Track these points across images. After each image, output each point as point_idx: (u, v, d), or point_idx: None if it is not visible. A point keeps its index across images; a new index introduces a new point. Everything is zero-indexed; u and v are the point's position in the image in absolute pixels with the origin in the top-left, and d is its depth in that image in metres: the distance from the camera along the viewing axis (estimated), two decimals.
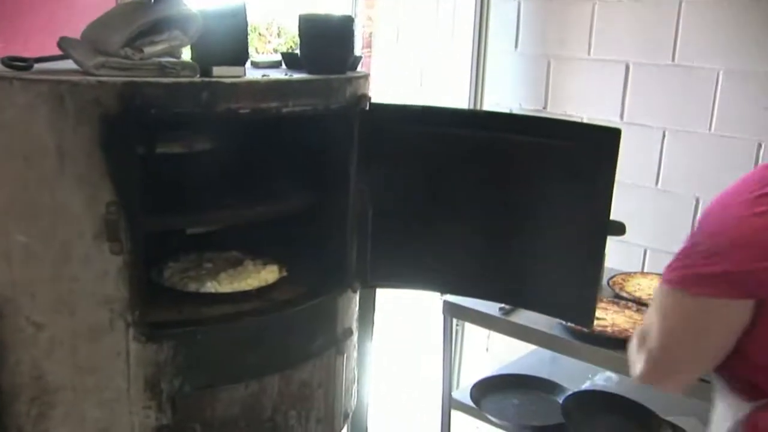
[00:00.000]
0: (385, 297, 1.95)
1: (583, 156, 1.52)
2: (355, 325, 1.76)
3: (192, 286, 1.61)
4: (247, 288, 1.62)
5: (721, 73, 2.40)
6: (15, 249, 1.34)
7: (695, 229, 1.12)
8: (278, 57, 1.73)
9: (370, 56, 5.08)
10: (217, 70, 1.41)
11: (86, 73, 1.33)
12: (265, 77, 1.46)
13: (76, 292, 1.35)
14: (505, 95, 2.97)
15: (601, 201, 1.51)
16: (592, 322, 1.63)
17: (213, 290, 1.60)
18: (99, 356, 1.38)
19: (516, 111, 2.91)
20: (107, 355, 1.38)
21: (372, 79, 1.71)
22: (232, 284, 1.63)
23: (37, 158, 1.30)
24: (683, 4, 2.45)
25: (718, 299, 1.07)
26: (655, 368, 1.17)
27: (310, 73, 1.58)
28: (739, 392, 1.15)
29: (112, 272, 1.35)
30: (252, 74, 1.48)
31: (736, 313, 1.08)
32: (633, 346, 1.21)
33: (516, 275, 1.67)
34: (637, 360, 1.19)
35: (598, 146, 1.50)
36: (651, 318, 1.17)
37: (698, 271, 1.08)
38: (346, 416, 1.78)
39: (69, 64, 1.40)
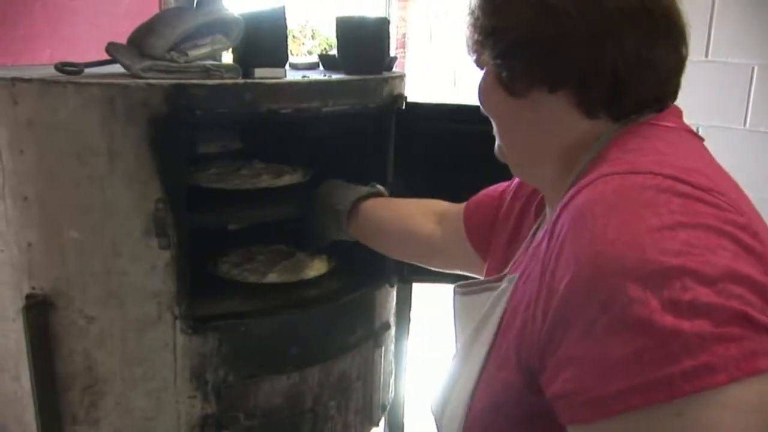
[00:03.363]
0: (424, 292, 2.00)
1: None
2: (392, 320, 1.81)
3: (251, 278, 1.69)
4: (306, 277, 1.70)
5: (755, 68, 2.42)
6: (68, 244, 1.40)
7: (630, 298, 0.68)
8: (315, 59, 1.79)
9: (403, 57, 5.13)
10: (258, 72, 1.47)
11: (134, 76, 1.40)
12: (305, 78, 1.53)
13: (125, 285, 1.41)
14: None
15: None
16: None
17: (274, 281, 1.68)
18: (147, 347, 1.44)
19: None
20: (155, 346, 1.44)
21: (406, 79, 1.76)
22: (291, 274, 1.71)
23: (89, 158, 1.37)
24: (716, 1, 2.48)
25: None
26: None
27: (347, 73, 1.64)
28: None
29: (159, 267, 1.42)
30: (292, 76, 1.54)
31: None
32: None
33: None
34: None
35: None
36: None
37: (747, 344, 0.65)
38: (384, 408, 1.84)
39: (117, 68, 1.47)
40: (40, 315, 1.41)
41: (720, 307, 0.65)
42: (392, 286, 1.79)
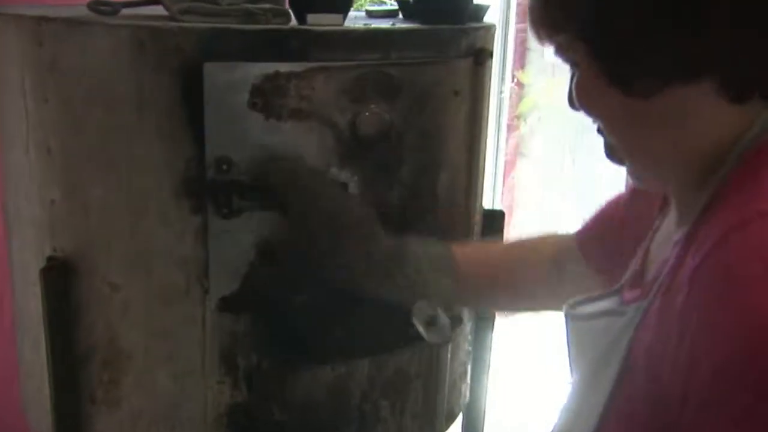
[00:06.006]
0: None
1: None
2: (466, 313, 1.75)
3: None
4: None
5: None
6: (93, 200, 1.43)
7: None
8: (395, 5, 1.77)
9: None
10: (312, 18, 1.44)
11: (172, 18, 1.41)
12: (364, 26, 1.50)
13: (152, 250, 1.43)
14: None
15: None
16: None
17: None
18: (173, 321, 1.45)
19: None
20: (181, 320, 1.45)
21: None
22: None
23: (116, 107, 1.38)
24: None
25: None
26: None
27: (422, 22, 1.60)
28: None
29: (189, 232, 1.42)
30: (355, 23, 1.52)
31: None
32: None
33: None
34: None
35: None
36: None
37: None
38: (452, 416, 1.79)
39: (159, 9, 1.48)
40: (59, 279, 1.44)
41: None
42: None
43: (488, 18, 1.73)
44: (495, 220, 1.80)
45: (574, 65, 0.95)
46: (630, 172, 1.00)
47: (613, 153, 0.98)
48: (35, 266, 1.46)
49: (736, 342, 0.69)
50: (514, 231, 4.38)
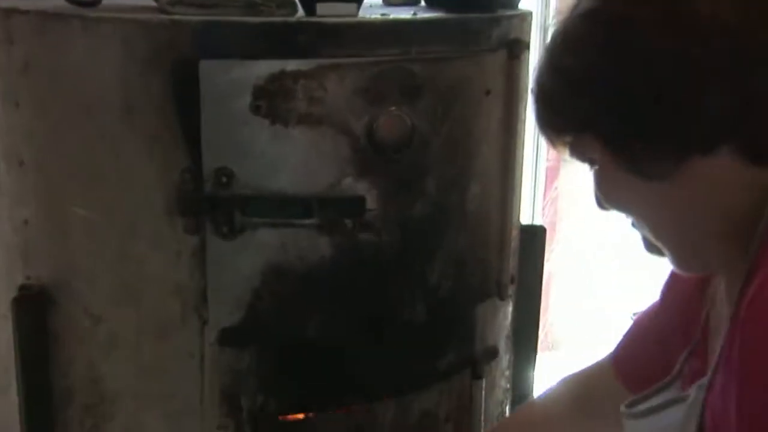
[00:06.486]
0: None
1: None
2: (503, 344, 1.66)
3: None
4: None
5: None
6: (73, 223, 1.35)
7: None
8: None
9: None
10: (322, 8, 1.36)
11: (161, 10, 1.32)
12: (381, 17, 1.41)
13: (142, 277, 1.35)
14: None
15: None
16: None
17: None
18: (167, 358, 1.37)
19: None
20: (177, 357, 1.37)
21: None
22: None
23: (100, 112, 1.30)
24: None
25: None
26: None
27: (448, 11, 1.50)
28: None
29: (185, 255, 1.33)
30: (371, 14, 1.43)
31: None
32: None
33: None
34: None
35: None
36: None
37: None
38: None
39: (146, 0, 1.39)
40: (34, 311, 1.37)
41: None
42: (503, 299, 1.61)
43: (523, 4, 1.64)
44: (535, 236, 1.71)
45: (591, 162, 0.98)
46: (672, 262, 1.01)
47: (651, 247, 1.01)
48: (6, 295, 1.39)
49: None
50: (557, 249, 4.23)
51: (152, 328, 1.35)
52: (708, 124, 0.87)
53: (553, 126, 0.98)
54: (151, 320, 1.35)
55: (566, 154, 1.00)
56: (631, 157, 0.92)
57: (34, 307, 1.35)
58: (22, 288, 1.36)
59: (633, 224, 1.01)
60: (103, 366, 1.37)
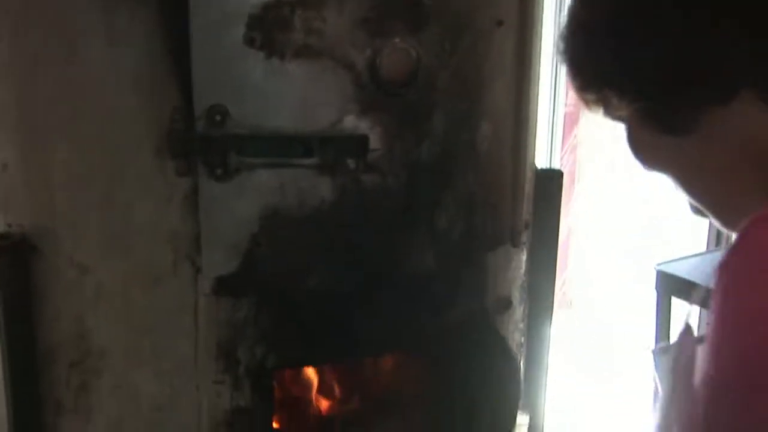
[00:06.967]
0: None
1: None
2: (517, 294, 1.62)
3: None
4: None
5: None
6: (56, 166, 1.32)
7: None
8: None
9: None
10: None
11: None
12: None
13: (130, 224, 1.32)
14: None
15: None
16: None
17: None
18: (158, 310, 1.34)
19: None
20: (168, 309, 1.34)
21: None
22: None
23: (81, 42, 1.26)
24: None
25: None
26: None
27: None
28: None
29: (176, 199, 1.30)
30: None
31: None
32: None
33: None
34: None
35: None
36: None
37: None
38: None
39: None
40: (16, 261, 1.33)
41: None
42: (516, 246, 1.57)
43: None
44: (552, 181, 1.67)
45: (621, 120, 1.00)
46: (716, 222, 1.02)
47: (697, 210, 1.02)
48: None
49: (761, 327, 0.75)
50: (576, 203, 4.13)
51: (142, 278, 1.33)
52: (724, 73, 0.89)
53: (577, 84, 1.00)
54: (141, 270, 1.33)
55: (600, 114, 1.02)
56: (653, 109, 0.94)
57: (16, 257, 1.32)
58: (3, 236, 1.33)
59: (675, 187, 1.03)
60: (90, 320, 1.34)
